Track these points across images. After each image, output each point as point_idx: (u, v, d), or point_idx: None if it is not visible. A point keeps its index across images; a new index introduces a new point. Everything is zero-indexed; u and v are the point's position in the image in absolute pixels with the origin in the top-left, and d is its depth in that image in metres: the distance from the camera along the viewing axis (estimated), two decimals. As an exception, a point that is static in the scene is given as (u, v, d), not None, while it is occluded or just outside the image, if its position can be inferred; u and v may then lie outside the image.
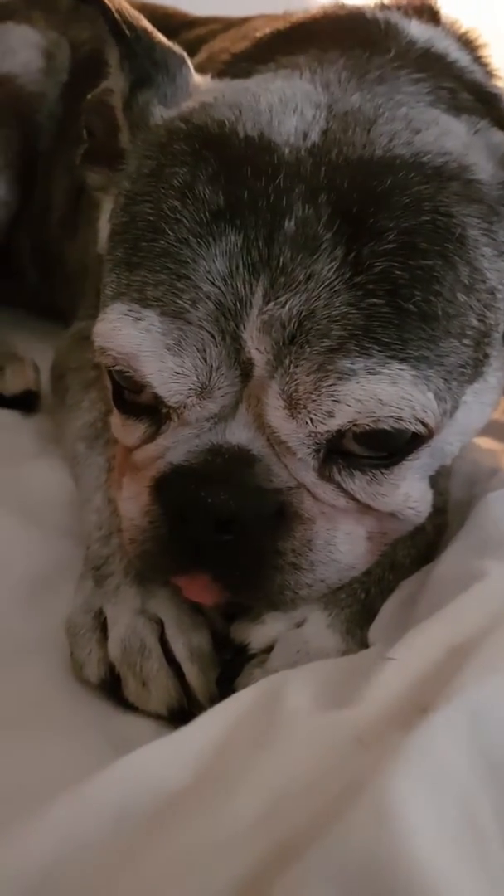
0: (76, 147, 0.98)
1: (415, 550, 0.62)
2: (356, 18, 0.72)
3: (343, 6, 0.76)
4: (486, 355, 0.56)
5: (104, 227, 0.66)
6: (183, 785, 0.40)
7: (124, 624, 0.58)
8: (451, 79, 0.68)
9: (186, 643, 0.57)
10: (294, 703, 0.45)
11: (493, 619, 0.48)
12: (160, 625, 0.58)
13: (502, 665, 0.42)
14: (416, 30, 0.71)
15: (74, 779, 0.40)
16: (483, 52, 0.76)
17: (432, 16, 0.75)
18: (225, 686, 0.55)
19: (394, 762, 0.37)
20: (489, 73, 0.75)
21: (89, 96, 0.68)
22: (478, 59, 0.75)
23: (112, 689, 0.57)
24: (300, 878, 0.34)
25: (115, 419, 0.61)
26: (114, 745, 0.52)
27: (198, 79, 0.65)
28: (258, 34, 0.77)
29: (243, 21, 0.96)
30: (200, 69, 0.70)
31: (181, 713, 0.55)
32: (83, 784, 0.39)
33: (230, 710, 0.45)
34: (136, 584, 0.60)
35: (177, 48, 0.64)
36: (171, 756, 0.41)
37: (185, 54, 0.65)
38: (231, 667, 0.57)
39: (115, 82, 0.65)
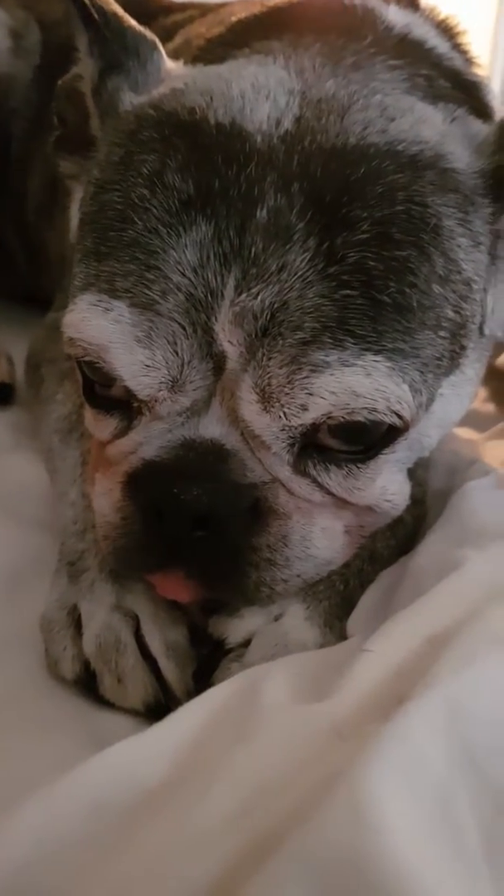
0: (46, 139, 0.96)
1: (394, 541, 0.62)
2: (333, 3, 0.71)
3: None
4: (463, 347, 0.56)
5: (75, 215, 0.65)
6: (159, 781, 0.39)
7: (99, 620, 0.57)
8: (429, 66, 0.67)
9: (162, 638, 0.56)
10: (271, 697, 0.45)
11: (471, 609, 0.48)
12: (136, 620, 0.57)
13: (479, 655, 0.42)
14: (394, 16, 0.70)
15: (49, 777, 0.40)
16: (462, 39, 0.75)
17: (411, 1, 0.74)
18: (202, 681, 0.55)
19: (370, 754, 0.37)
20: (468, 61, 0.74)
21: (60, 82, 0.67)
22: (457, 46, 0.74)
23: (87, 685, 0.56)
24: (275, 874, 0.33)
25: (87, 413, 0.60)
26: (90, 742, 0.51)
27: (170, 65, 0.63)
28: (233, 19, 0.76)
29: (221, 6, 0.94)
30: (176, 54, 0.69)
31: (158, 709, 0.54)
32: (57, 782, 0.38)
33: (207, 704, 0.45)
34: (111, 580, 0.59)
35: (148, 33, 0.63)
36: (146, 752, 0.41)
37: (156, 39, 0.63)
38: (208, 661, 0.56)
39: (85, 68, 0.63)
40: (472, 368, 0.59)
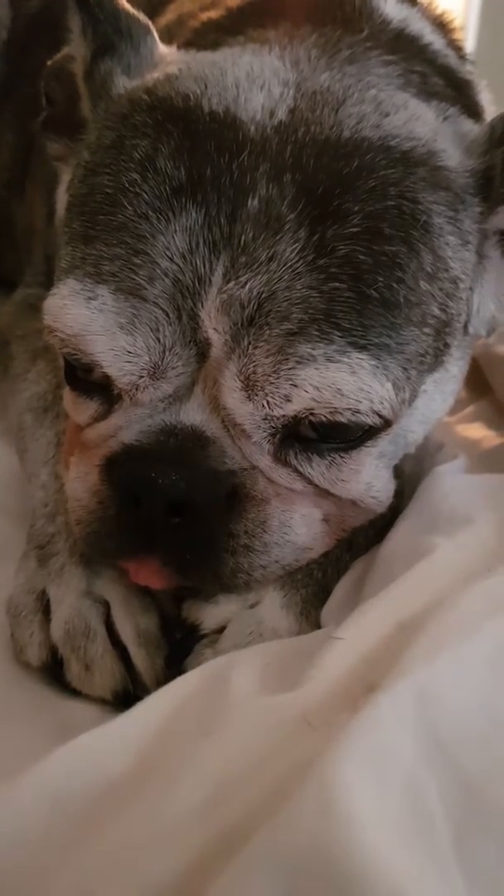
0: (20, 104, 0.94)
1: (372, 532, 0.61)
2: None
3: None
4: (447, 345, 0.56)
5: (62, 197, 0.64)
6: (123, 773, 0.38)
7: (68, 605, 0.56)
8: (424, 62, 0.67)
9: (133, 625, 0.56)
10: (239, 686, 0.44)
11: (441, 596, 0.48)
12: (106, 607, 0.56)
13: (449, 643, 0.41)
14: (392, 9, 0.70)
15: (12, 768, 0.39)
16: (457, 36, 0.75)
17: None
18: (174, 668, 0.54)
19: (339, 745, 0.36)
20: (462, 58, 0.74)
21: (49, 62, 0.66)
22: (451, 43, 0.74)
23: (54, 673, 0.55)
24: (243, 869, 0.33)
25: (67, 396, 0.59)
26: (56, 731, 0.50)
27: (163, 49, 0.63)
28: (230, 3, 0.75)
29: None
30: (168, 32, 0.68)
31: (126, 698, 0.53)
32: (17, 776, 0.37)
33: (174, 694, 0.44)
34: (81, 565, 0.58)
35: (142, 16, 0.62)
36: (110, 743, 0.40)
37: (150, 23, 0.63)
38: (181, 648, 0.55)
39: (77, 49, 0.62)
40: (455, 366, 0.59)
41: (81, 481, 0.55)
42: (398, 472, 0.61)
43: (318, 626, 0.56)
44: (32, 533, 0.62)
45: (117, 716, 0.43)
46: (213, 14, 0.74)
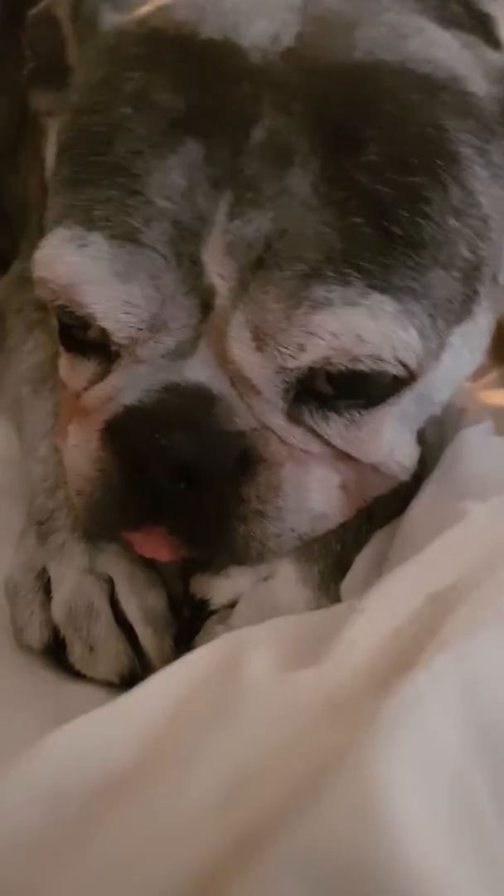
0: (11, 70, 0.89)
1: (394, 501, 0.57)
2: None
3: None
4: (476, 292, 0.51)
5: (51, 152, 0.59)
6: (128, 762, 0.34)
7: (70, 583, 0.52)
8: None
9: (139, 603, 0.52)
10: (255, 663, 0.40)
11: (478, 565, 0.43)
12: (110, 584, 0.53)
13: (492, 616, 0.37)
14: None
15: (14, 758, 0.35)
16: None
17: None
18: (183, 646, 0.51)
19: (375, 734, 0.32)
20: None
21: (33, 11, 0.61)
22: None
23: (56, 655, 0.52)
24: (267, 874, 0.29)
25: (63, 360, 0.55)
26: (59, 719, 0.46)
27: None
28: None
29: None
30: None
31: (133, 680, 0.49)
32: (10, 767, 0.33)
33: (183, 673, 0.40)
34: (83, 540, 0.54)
35: None
36: (112, 730, 0.36)
37: None
38: (190, 626, 0.52)
39: None
40: (484, 318, 0.54)
41: (81, 449, 0.51)
42: (421, 437, 0.57)
43: (337, 600, 0.52)
44: (32, 509, 0.58)
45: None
46: None
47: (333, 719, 0.36)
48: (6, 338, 0.75)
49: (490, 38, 0.63)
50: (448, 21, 0.58)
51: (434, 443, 0.61)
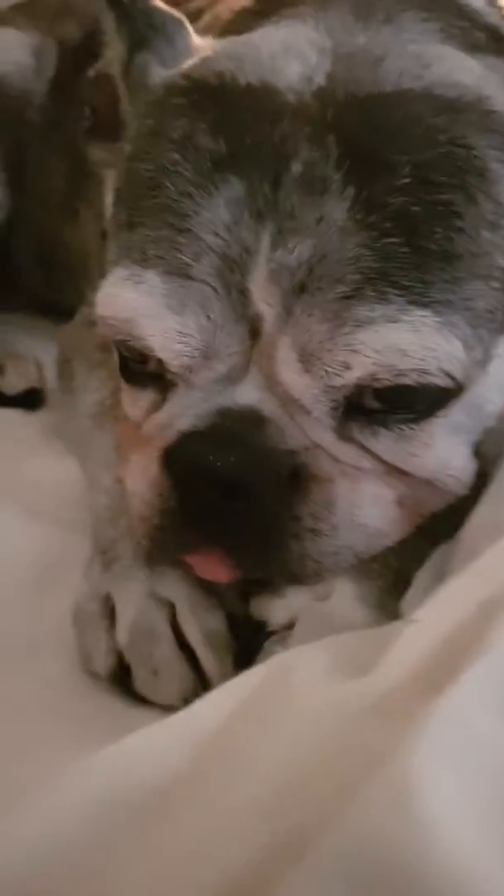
0: (69, 131, 0.95)
1: (454, 515, 0.56)
2: None
3: None
4: None
5: (109, 199, 0.64)
6: (178, 772, 0.35)
7: (133, 608, 0.54)
8: (464, 19, 0.65)
9: (200, 626, 0.53)
10: (304, 676, 0.40)
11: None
12: (171, 608, 0.54)
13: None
14: None
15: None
16: None
17: None
18: (244, 667, 0.50)
19: (417, 734, 0.32)
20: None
21: (90, 71, 0.66)
22: (492, 2, 0.70)
23: (122, 681, 0.52)
24: (311, 874, 0.29)
25: (124, 393, 0.58)
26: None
27: (199, 41, 0.62)
28: None
29: None
30: (205, 32, 0.67)
31: (195, 701, 0.50)
32: (62, 778, 0.34)
33: (235, 690, 0.40)
34: (144, 567, 0.56)
35: (174, 11, 0.62)
36: (165, 742, 0.36)
37: (183, 17, 0.62)
38: (250, 646, 0.52)
39: (113, 49, 0.63)
40: None
41: (141, 476, 0.54)
42: (479, 451, 0.56)
43: (396, 618, 0.51)
44: (96, 539, 0.60)
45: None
46: (245, 2, 0.74)
47: (379, 724, 0.35)
48: (72, 379, 0.79)
49: None
50: (473, 47, 0.60)
51: (493, 453, 0.60)
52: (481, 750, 0.32)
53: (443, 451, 0.52)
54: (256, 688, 0.40)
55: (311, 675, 0.40)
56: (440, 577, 0.52)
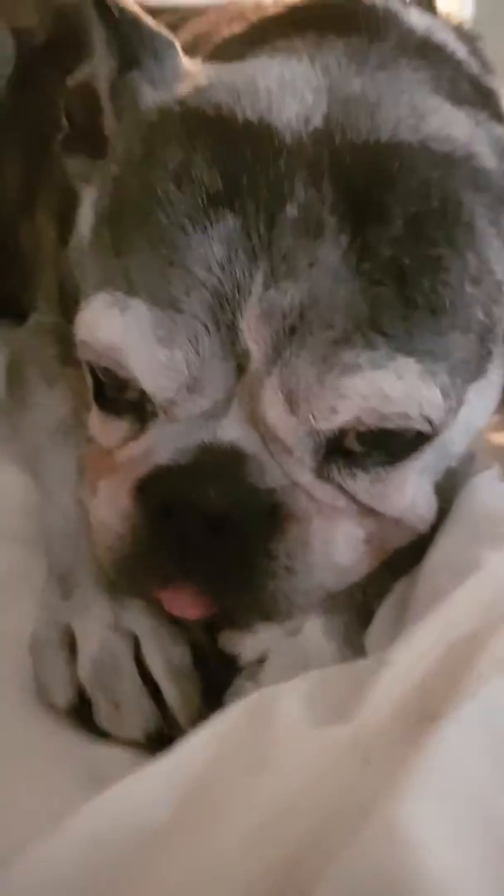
0: (28, 134, 0.93)
1: (412, 549, 0.58)
2: (354, 4, 0.70)
3: None
4: (490, 352, 0.54)
5: (86, 215, 0.63)
6: (166, 817, 0.35)
7: (96, 641, 0.53)
8: (451, 69, 0.67)
9: (165, 659, 0.52)
10: (286, 718, 0.41)
11: (495, 613, 0.44)
12: (135, 640, 0.53)
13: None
14: (416, 19, 0.69)
15: (43, 819, 0.35)
16: (479, 45, 0.74)
17: (429, 5, 0.74)
18: (212, 701, 0.51)
19: (404, 781, 0.33)
20: (485, 67, 0.73)
21: (69, 81, 0.65)
22: (474, 52, 0.74)
23: (81, 714, 0.51)
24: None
25: (95, 418, 0.57)
26: (86, 777, 0.47)
27: (188, 62, 0.62)
28: (250, 17, 0.75)
29: (212, 8, 0.93)
30: (187, 51, 0.67)
31: (160, 738, 0.50)
32: (52, 832, 0.34)
33: (215, 731, 0.40)
34: (107, 596, 0.55)
35: (164, 30, 0.61)
36: (151, 788, 0.36)
37: (173, 37, 0.62)
38: (217, 681, 0.52)
39: (101, 65, 0.61)
40: (496, 374, 0.56)
41: (111, 505, 0.53)
42: (438, 488, 0.58)
43: (362, 651, 0.53)
44: (53, 562, 0.59)
45: (151, 759, 0.40)
46: (235, 28, 0.75)
47: (364, 765, 0.37)
48: (22, 387, 0.77)
49: (496, 113, 0.68)
50: (459, 98, 0.62)
51: (449, 490, 0.62)
52: (466, 790, 0.34)
53: (412, 491, 0.53)
54: (238, 729, 0.41)
55: (292, 716, 0.41)
56: (401, 611, 0.54)
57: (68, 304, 0.80)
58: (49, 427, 0.69)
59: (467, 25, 0.76)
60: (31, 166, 0.99)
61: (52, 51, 1.00)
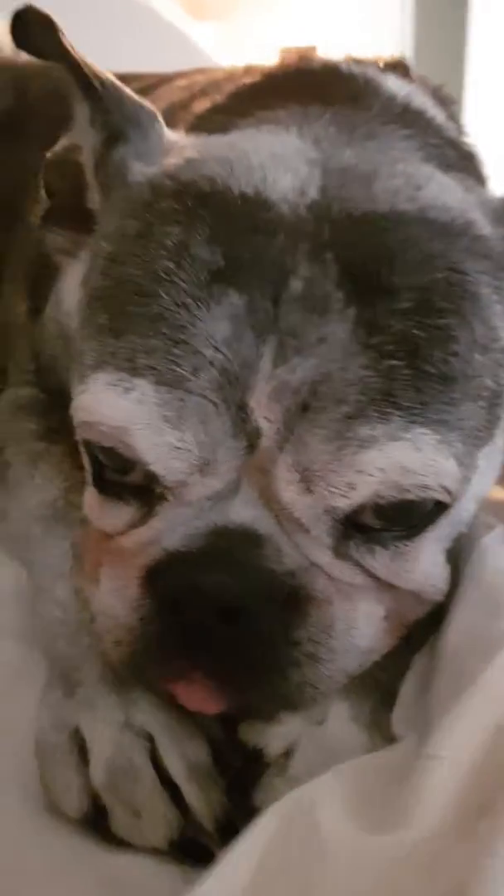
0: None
1: (427, 622, 0.56)
2: (333, 73, 0.71)
3: (312, 59, 0.75)
4: (498, 417, 0.53)
5: (71, 291, 0.61)
6: None
7: (108, 742, 0.49)
8: (435, 136, 0.68)
9: (182, 758, 0.49)
10: (330, 825, 0.38)
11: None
12: (149, 739, 0.50)
13: None
14: (394, 85, 0.70)
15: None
16: (454, 109, 0.75)
17: (405, 71, 0.74)
18: (237, 798, 0.48)
19: (474, 888, 0.31)
20: (460, 131, 0.74)
21: (49, 155, 0.63)
22: (451, 116, 0.75)
23: (95, 822, 0.48)
24: None
25: (92, 501, 0.54)
26: (108, 883, 0.44)
27: (171, 134, 0.61)
28: (228, 88, 0.74)
29: (178, 75, 0.93)
30: (165, 121, 0.67)
31: (182, 842, 0.47)
32: None
33: (253, 845, 0.38)
34: (115, 692, 0.52)
35: (147, 103, 0.60)
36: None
37: (155, 109, 0.61)
38: (242, 775, 0.49)
39: (84, 139, 0.60)
40: (501, 438, 0.56)
41: (117, 596, 0.50)
42: (448, 556, 0.57)
43: (389, 735, 0.50)
44: (52, 659, 0.56)
45: (171, 862, 0.37)
46: (216, 98, 0.74)
47: (423, 877, 0.34)
48: (6, 472, 0.73)
49: (479, 177, 0.69)
50: (447, 165, 0.63)
51: (457, 555, 0.61)
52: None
53: (428, 562, 0.52)
54: (277, 839, 0.38)
55: (336, 824, 0.38)
56: (423, 688, 0.52)
57: (47, 376, 0.78)
58: (37, 513, 0.65)
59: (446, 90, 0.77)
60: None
61: (10, 125, 0.98)
